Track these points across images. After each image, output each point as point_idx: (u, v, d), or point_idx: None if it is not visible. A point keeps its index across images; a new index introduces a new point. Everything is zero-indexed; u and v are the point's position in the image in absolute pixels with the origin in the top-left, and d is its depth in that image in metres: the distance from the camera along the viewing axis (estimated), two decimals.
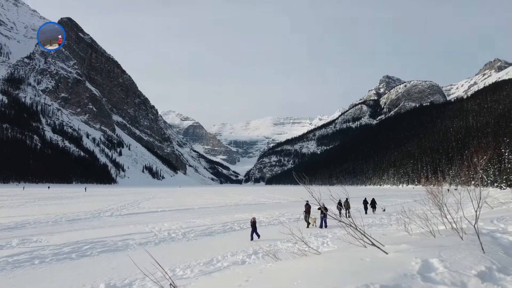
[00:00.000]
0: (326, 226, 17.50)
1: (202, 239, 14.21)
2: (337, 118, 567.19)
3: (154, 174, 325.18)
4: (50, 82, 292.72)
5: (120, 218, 21.95)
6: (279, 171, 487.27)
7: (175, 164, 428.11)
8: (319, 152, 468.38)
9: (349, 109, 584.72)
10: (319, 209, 16.43)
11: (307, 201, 18.42)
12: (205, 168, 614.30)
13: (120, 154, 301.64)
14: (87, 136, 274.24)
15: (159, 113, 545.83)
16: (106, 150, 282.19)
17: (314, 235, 14.55)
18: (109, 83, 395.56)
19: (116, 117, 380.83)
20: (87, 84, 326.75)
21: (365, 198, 27.40)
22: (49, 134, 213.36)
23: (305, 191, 5.50)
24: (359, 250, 5.07)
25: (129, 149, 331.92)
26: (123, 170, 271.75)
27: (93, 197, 48.36)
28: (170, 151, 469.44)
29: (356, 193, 43.34)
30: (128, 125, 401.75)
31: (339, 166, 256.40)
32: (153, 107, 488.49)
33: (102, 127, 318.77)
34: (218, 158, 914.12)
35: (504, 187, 57.79)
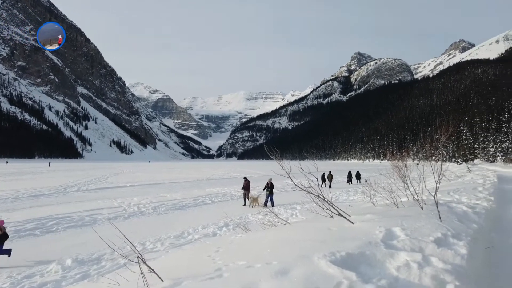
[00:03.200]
0: (272, 205, 15.52)
1: (173, 213, 14.17)
2: (309, 94, 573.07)
3: (123, 149, 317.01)
4: (4, 48, 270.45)
5: (87, 193, 21.34)
6: (251, 146, 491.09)
7: (144, 138, 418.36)
8: (290, 128, 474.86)
9: (320, 85, 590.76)
10: (265, 188, 16.11)
11: (245, 177, 17.72)
12: (175, 143, 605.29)
13: (86, 127, 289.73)
14: (50, 108, 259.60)
15: (126, 85, 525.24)
16: (71, 123, 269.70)
17: (283, 206, 14.92)
18: (72, 52, 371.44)
19: (80, 89, 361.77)
20: (47, 52, 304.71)
21: (350, 171, 31.56)
22: (5, 106, 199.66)
23: (276, 165, 5.53)
24: (327, 220, 5.24)
25: (96, 122, 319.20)
26: (90, 144, 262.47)
27: (57, 172, 46.48)
28: (139, 125, 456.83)
29: (324, 167, 44.74)
30: (93, 97, 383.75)
31: (310, 141, 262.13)
32: (120, 78, 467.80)
33: (66, 99, 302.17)
34: (189, 133, 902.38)
35: (461, 162, 61.82)
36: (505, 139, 55.47)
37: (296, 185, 5.24)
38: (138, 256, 3.17)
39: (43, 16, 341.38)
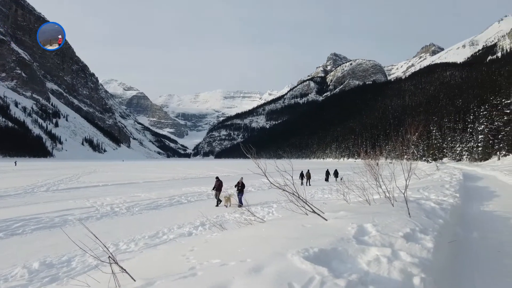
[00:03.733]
0: (241, 204, 15.14)
1: (148, 212, 13.89)
2: (286, 94, 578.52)
3: (95, 147, 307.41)
4: None
5: (57, 193, 20.52)
6: (229, 145, 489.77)
7: (118, 136, 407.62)
8: (268, 127, 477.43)
9: (297, 85, 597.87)
10: (236, 186, 15.95)
11: (217, 176, 17.00)
12: (150, 141, 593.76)
13: (56, 125, 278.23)
14: (16, 104, 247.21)
15: (99, 81, 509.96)
16: (40, 120, 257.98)
17: (260, 205, 14.98)
18: (40, 46, 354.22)
19: (50, 85, 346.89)
20: (13, 45, 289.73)
21: (327, 169, 33.08)
22: None
23: (253, 164, 5.56)
24: (302, 217, 5.32)
25: (67, 120, 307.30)
26: (60, 143, 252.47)
27: (25, 172, 44.41)
28: (112, 123, 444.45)
29: (301, 166, 45.34)
30: (65, 94, 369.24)
31: (287, 140, 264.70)
32: (93, 74, 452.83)
33: (34, 95, 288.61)
34: (165, 131, 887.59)
35: (430, 161, 64.41)
36: (470, 139, 58.34)
37: (271, 183, 5.28)
38: (109, 257, 3.10)
39: (8, 7, 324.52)
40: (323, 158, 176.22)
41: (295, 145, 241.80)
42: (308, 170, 28.60)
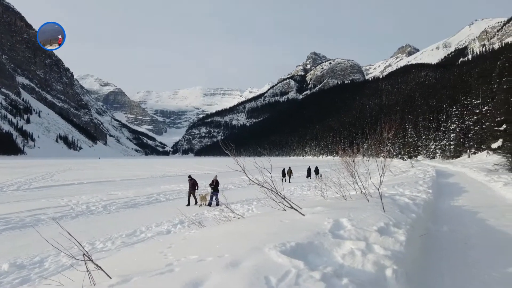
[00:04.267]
0: (218, 204, 14.65)
1: (125, 211, 13.62)
2: (267, 92, 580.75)
3: (70, 144, 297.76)
4: None
5: (29, 192, 19.77)
6: (209, 143, 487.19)
7: (94, 133, 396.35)
8: (248, 124, 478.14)
9: (278, 83, 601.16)
10: (210, 185, 15.47)
11: (190, 175, 16.56)
12: (128, 138, 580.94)
13: (28, 121, 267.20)
14: None
15: (75, 76, 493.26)
16: (10, 116, 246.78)
17: (240, 202, 14.98)
18: (10, 38, 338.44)
19: (21, 79, 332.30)
20: None
21: (309, 167, 33.57)
22: None
23: (232, 161, 5.57)
24: (280, 213, 5.39)
25: (39, 116, 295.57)
26: (32, 140, 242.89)
27: None
28: (88, 119, 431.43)
29: (281, 164, 45.71)
30: (37, 89, 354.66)
31: (267, 138, 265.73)
32: (67, 69, 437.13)
33: (3, 90, 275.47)
34: (142, 128, 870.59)
35: (406, 158, 66.42)
36: (443, 138, 60.60)
37: (250, 180, 5.32)
38: (84, 254, 3.03)
39: None
40: (303, 156, 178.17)
41: (275, 142, 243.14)
42: (290, 167, 29.23)
